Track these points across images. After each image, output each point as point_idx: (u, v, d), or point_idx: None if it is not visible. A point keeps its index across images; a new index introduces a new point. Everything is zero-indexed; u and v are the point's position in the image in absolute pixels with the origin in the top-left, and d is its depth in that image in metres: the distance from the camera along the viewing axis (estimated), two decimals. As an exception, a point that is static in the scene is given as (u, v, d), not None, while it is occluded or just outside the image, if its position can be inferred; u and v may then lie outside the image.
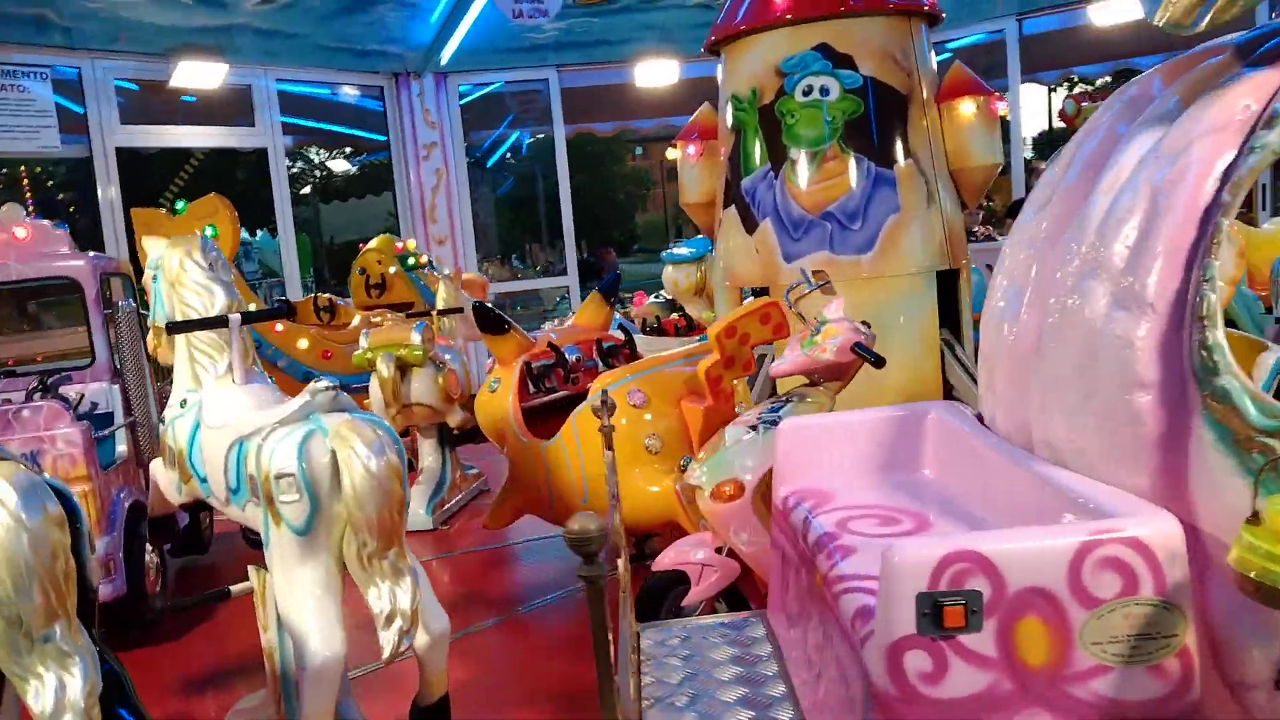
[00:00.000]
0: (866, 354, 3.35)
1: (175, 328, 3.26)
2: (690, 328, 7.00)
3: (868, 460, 2.34)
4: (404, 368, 5.83)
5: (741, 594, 3.61)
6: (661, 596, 3.64)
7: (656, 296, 8.18)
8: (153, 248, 3.56)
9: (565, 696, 3.79)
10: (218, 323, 3.32)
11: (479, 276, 8.83)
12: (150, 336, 3.63)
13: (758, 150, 5.45)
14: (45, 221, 5.14)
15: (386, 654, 2.72)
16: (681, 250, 7.22)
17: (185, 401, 3.33)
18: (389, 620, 2.74)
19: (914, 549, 1.45)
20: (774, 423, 3.48)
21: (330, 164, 18.22)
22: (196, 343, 3.34)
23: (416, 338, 5.91)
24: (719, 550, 3.55)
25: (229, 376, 3.34)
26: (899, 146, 5.29)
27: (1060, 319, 1.82)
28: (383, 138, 15.20)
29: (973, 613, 1.41)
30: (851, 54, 5.22)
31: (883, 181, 5.23)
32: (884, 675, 1.47)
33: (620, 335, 5.61)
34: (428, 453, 6.26)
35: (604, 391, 3.02)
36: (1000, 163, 5.54)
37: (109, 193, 8.56)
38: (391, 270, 8.08)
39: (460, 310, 6.60)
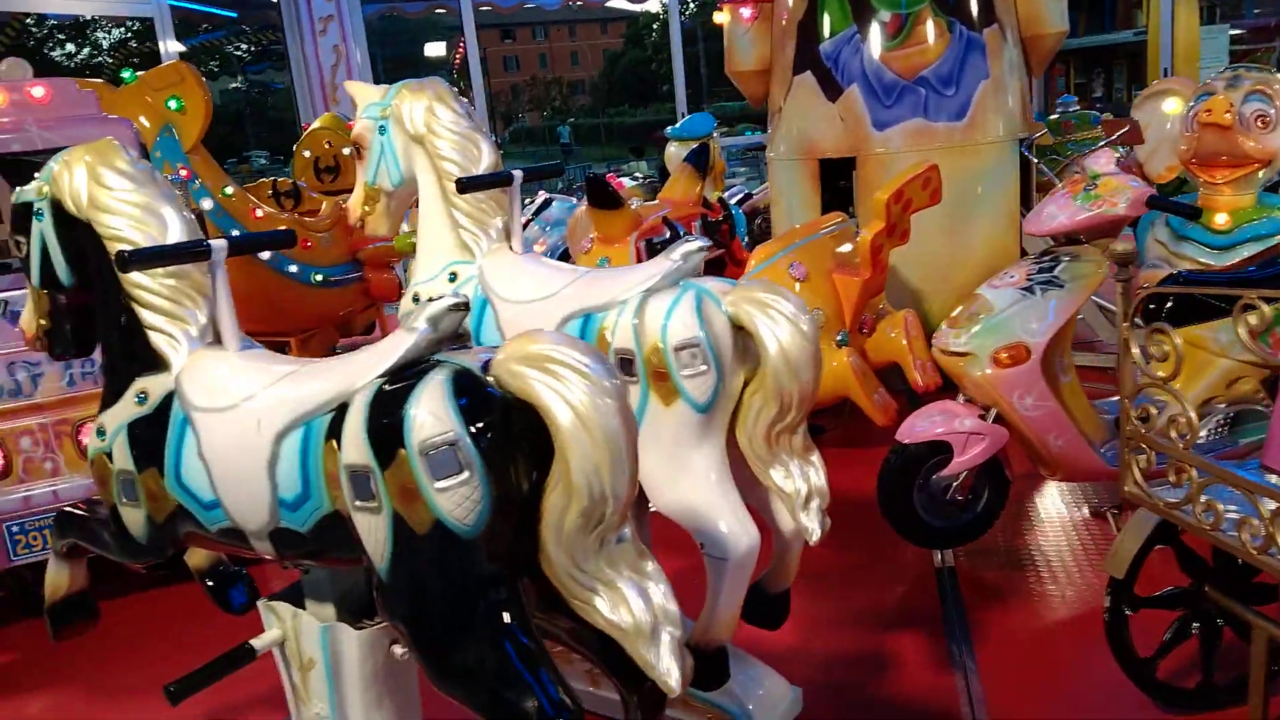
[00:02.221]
0: (1173, 205, 3.25)
1: (466, 184, 2.71)
2: (706, 206, 6.71)
3: None
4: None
5: (999, 461, 3.51)
6: (915, 469, 3.49)
7: (634, 178, 7.75)
8: (369, 93, 2.93)
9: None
10: (503, 180, 2.79)
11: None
12: (355, 202, 3.01)
13: (839, 11, 5.19)
14: (65, 79, 4.21)
15: (816, 538, 2.42)
16: (693, 126, 6.85)
17: (455, 275, 2.80)
18: (808, 500, 2.44)
19: None
20: (1052, 283, 3.35)
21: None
22: (462, 205, 2.80)
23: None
24: (982, 417, 3.42)
25: (505, 244, 2.83)
26: (985, 10, 5.16)
27: None
28: (230, 13, 13.70)
29: None
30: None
31: (974, 46, 5.11)
32: None
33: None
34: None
35: None
36: (1067, 30, 5.51)
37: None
38: (346, 151, 7.31)
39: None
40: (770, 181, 5.88)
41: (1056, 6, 5.38)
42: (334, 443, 1.76)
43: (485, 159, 2.82)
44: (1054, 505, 4.06)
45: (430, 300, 1.80)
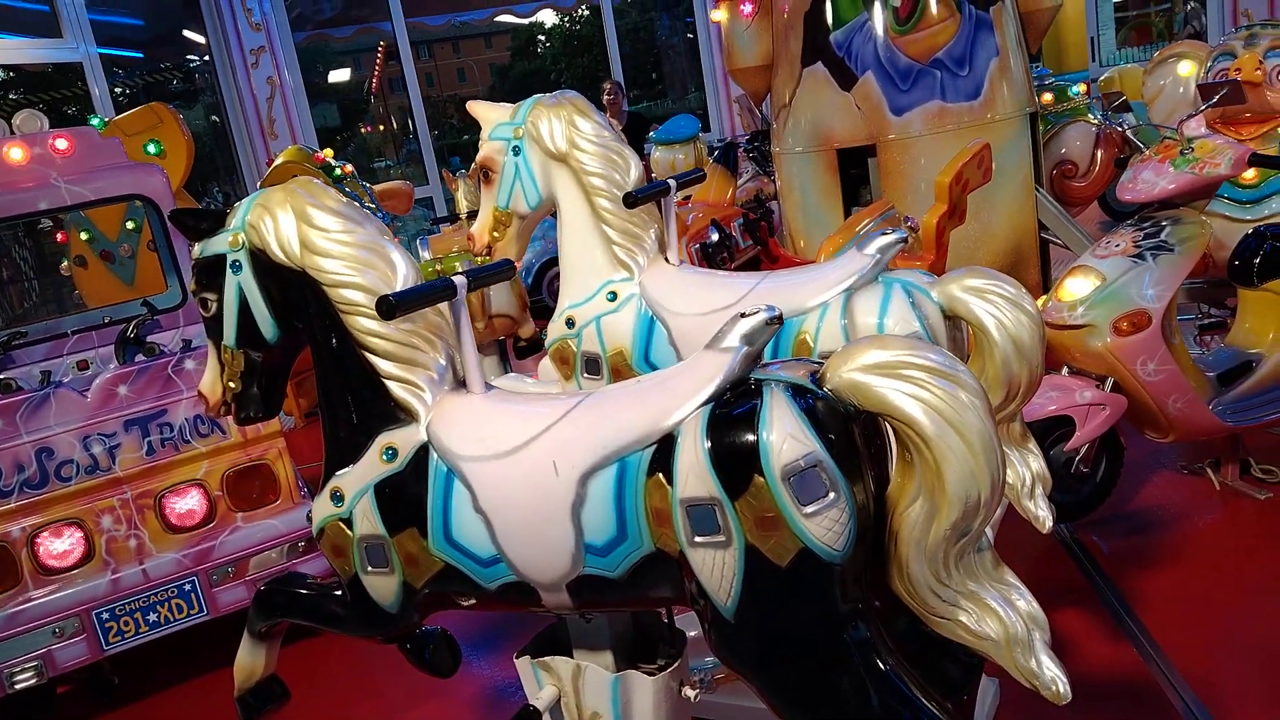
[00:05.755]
0: (1275, 160, 3.30)
1: (635, 199, 2.57)
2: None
3: None
4: (479, 276, 5.08)
5: (1115, 430, 3.52)
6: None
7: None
8: (496, 113, 2.76)
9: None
10: (662, 191, 2.67)
11: (403, 185, 7.86)
12: (482, 228, 2.84)
13: (847, 0, 5.18)
14: (87, 127, 3.91)
15: (1049, 525, 2.37)
16: (677, 129, 6.77)
17: (615, 294, 2.66)
18: (1032, 489, 2.39)
19: None
20: (1161, 247, 3.36)
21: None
22: (613, 220, 2.66)
23: (486, 241, 5.16)
24: (1099, 388, 3.43)
25: (661, 257, 2.70)
26: (989, -13, 5.21)
27: None
28: (136, 54, 13.19)
29: None
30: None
31: (983, 24, 5.16)
32: None
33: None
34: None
35: None
36: (1061, 3, 5.61)
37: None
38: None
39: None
40: (779, 176, 5.83)
41: (1051, -19, 5.47)
42: (660, 477, 1.64)
43: (633, 171, 2.70)
44: (1145, 468, 4.09)
45: (743, 316, 1.68)
